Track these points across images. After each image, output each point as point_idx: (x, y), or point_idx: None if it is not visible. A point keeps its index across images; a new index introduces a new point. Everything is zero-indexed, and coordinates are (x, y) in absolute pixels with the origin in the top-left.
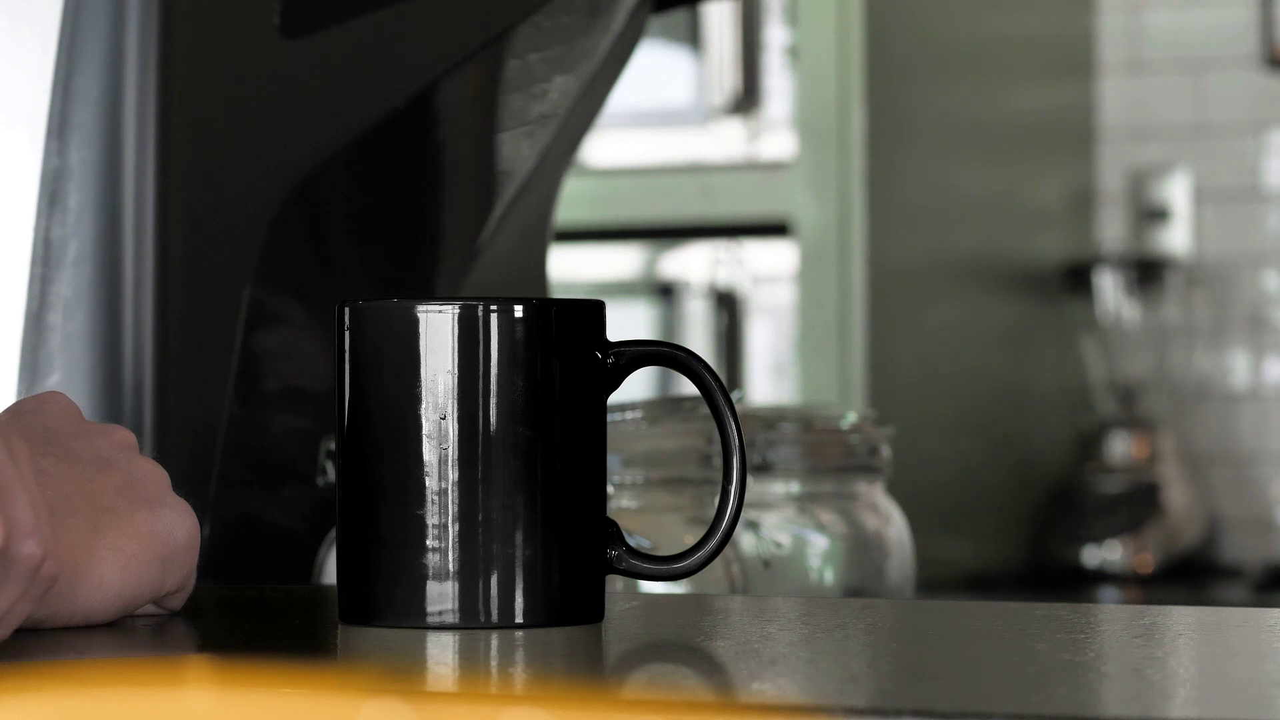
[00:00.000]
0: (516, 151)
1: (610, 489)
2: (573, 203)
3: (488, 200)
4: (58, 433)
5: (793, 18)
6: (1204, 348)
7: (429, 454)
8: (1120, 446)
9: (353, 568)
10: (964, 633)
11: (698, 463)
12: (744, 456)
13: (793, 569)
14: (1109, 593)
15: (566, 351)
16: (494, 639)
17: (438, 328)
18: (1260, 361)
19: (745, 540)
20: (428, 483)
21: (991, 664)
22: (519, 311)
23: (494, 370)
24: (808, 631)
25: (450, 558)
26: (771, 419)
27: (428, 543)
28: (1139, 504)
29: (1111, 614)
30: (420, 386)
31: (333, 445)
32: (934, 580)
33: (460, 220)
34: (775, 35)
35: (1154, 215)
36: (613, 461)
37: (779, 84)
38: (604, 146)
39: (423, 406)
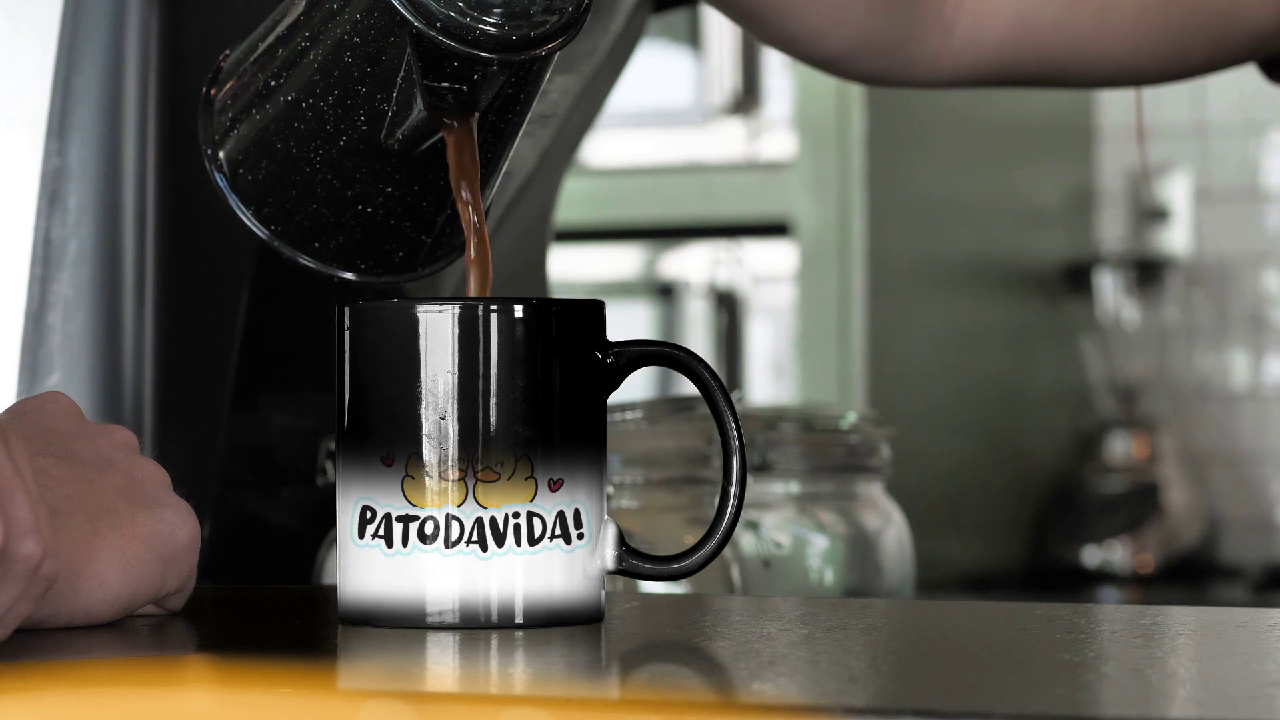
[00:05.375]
0: (516, 151)
1: (610, 489)
2: (573, 203)
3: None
4: (58, 433)
5: None
6: (1204, 348)
7: (429, 454)
8: (1120, 446)
9: (353, 568)
10: (964, 633)
11: (698, 463)
12: (744, 456)
13: (793, 569)
14: (1109, 593)
15: (566, 351)
16: (494, 639)
17: (438, 328)
18: (1260, 361)
19: (745, 540)
20: (428, 483)
21: (991, 664)
22: (519, 311)
23: (494, 370)
24: (808, 631)
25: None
26: (771, 419)
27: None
28: (1139, 504)
29: (1111, 614)
30: (420, 386)
31: (333, 445)
32: (934, 580)
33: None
34: None
35: (1154, 215)
36: (613, 461)
37: (779, 84)
38: (604, 146)
39: (423, 406)
